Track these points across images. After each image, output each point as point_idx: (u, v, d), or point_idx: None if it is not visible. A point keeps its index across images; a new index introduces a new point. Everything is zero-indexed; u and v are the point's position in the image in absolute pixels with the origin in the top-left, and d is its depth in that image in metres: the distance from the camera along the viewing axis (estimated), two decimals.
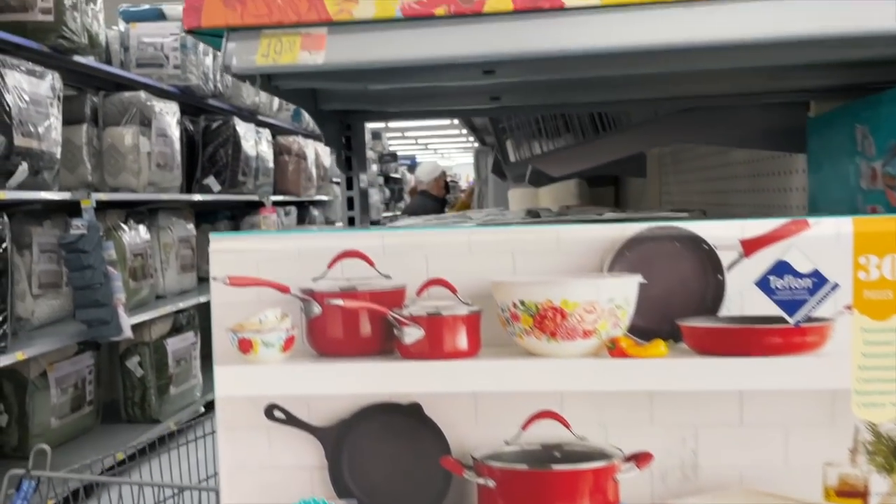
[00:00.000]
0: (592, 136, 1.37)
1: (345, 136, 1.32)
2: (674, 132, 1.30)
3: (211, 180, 4.70)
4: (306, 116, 5.87)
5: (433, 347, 0.81)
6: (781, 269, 0.77)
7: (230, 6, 0.85)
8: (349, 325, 0.83)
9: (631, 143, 1.35)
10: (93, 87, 3.86)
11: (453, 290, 0.80)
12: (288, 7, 0.84)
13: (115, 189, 3.82)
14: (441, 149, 19.15)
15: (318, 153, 6.27)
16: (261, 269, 0.81)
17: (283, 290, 0.81)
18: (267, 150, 5.24)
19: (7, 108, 2.85)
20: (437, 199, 5.14)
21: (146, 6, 4.31)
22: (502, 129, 1.38)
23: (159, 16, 4.27)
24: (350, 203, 1.28)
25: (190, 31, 0.86)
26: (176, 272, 4.43)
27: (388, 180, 11.44)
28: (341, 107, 1.20)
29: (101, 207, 3.67)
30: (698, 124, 1.32)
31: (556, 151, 1.38)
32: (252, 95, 5.11)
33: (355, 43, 0.83)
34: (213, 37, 0.89)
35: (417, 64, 0.84)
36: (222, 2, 0.85)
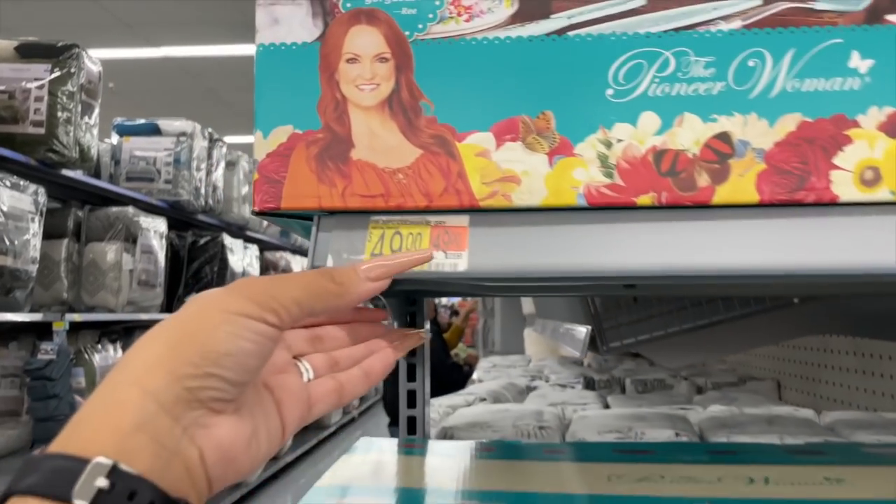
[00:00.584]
0: (709, 314, 1.10)
1: (409, 311, 1.03)
2: (816, 322, 1.05)
3: None
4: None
5: None
6: None
7: (326, 181, 0.58)
8: None
9: (760, 334, 1.10)
10: (79, 201, 3.57)
11: None
12: (413, 184, 0.58)
13: (91, 308, 3.46)
14: None
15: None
16: None
17: None
18: (254, 266, 4.94)
19: None
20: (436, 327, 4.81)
21: (142, 120, 4.08)
22: (602, 310, 1.10)
23: (154, 130, 4.04)
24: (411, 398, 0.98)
25: (261, 214, 0.59)
26: None
27: None
28: (413, 287, 0.93)
29: (75, 328, 3.30)
30: (847, 315, 1.07)
31: (669, 337, 1.10)
32: (243, 211, 4.84)
33: (511, 241, 0.56)
34: (294, 218, 0.62)
35: (590, 273, 0.57)
36: (315, 175, 0.58)
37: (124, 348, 3.74)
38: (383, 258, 0.54)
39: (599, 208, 0.56)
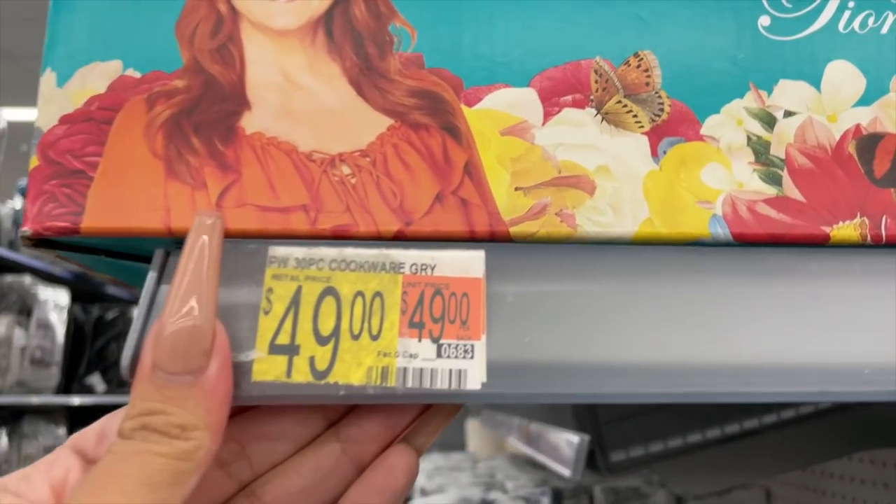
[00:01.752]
0: (739, 419, 0.81)
1: None
2: (883, 432, 0.78)
3: (96, 378, 3.85)
4: None
5: None
6: None
7: (185, 175, 0.27)
8: None
9: (811, 448, 0.82)
10: None
11: None
12: (372, 187, 0.27)
13: None
14: None
15: None
16: None
17: None
18: None
19: None
20: None
21: None
22: (601, 410, 0.80)
23: None
24: None
25: (40, 243, 0.27)
26: None
27: None
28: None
29: None
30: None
31: (689, 452, 0.80)
32: None
33: (576, 318, 0.26)
34: (111, 255, 0.30)
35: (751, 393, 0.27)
36: (162, 161, 0.27)
37: (11, 436, 3.21)
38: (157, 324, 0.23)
39: (755, 245, 0.27)
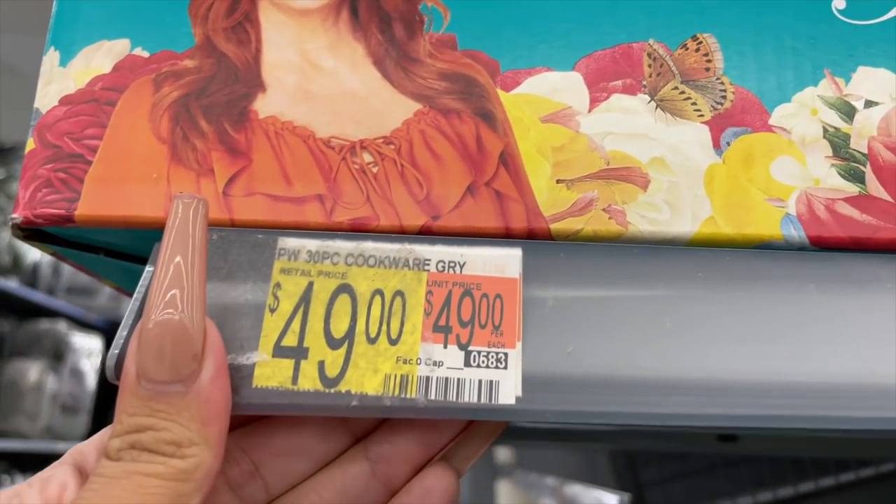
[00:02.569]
0: (794, 481, 0.75)
1: None
2: None
3: None
4: None
5: None
6: None
7: (191, 160, 0.24)
8: None
9: None
10: (7, 311, 3.14)
11: None
12: (396, 178, 0.24)
13: (1, 434, 2.96)
14: None
15: None
16: None
17: None
18: None
19: None
20: None
21: None
22: (642, 470, 0.74)
23: None
24: None
25: (30, 234, 0.24)
26: None
27: None
28: None
29: None
30: None
31: None
32: None
33: (623, 327, 0.23)
34: (105, 252, 0.27)
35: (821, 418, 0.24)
36: (168, 145, 0.25)
37: None
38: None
39: (834, 250, 0.23)
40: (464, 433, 0.22)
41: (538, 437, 0.55)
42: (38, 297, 3.31)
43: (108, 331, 3.66)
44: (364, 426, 0.23)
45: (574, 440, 0.57)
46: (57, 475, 0.22)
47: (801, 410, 0.21)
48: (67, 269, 3.80)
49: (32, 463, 3.45)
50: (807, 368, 0.21)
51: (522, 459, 1.67)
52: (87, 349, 3.34)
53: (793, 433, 0.39)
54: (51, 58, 0.25)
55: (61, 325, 3.19)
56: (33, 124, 0.24)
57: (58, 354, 3.16)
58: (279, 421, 0.22)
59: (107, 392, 3.75)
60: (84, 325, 3.43)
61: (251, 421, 0.23)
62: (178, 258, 0.20)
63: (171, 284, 0.19)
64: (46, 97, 0.25)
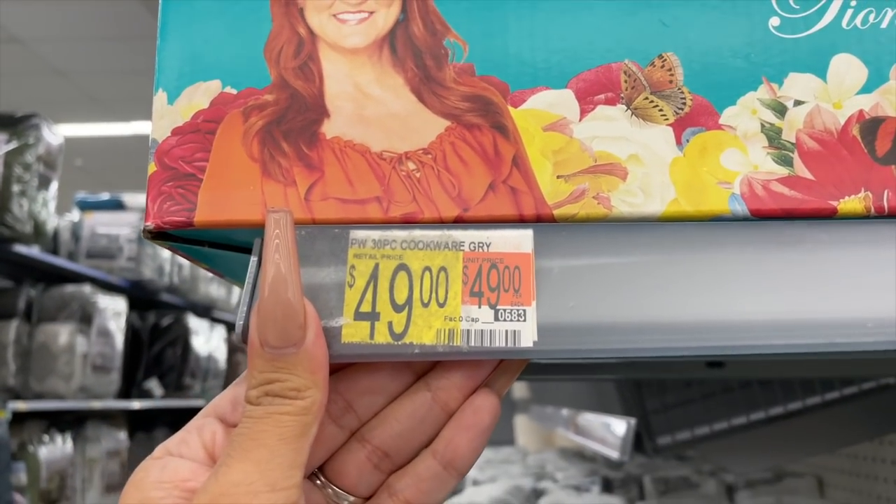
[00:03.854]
0: (783, 401, 0.83)
1: None
2: None
3: (154, 384, 3.99)
4: None
5: None
6: None
7: (279, 175, 0.32)
8: None
9: (852, 428, 0.84)
10: (33, 279, 3.25)
11: None
12: (434, 180, 0.31)
13: (39, 395, 3.09)
14: None
15: None
16: None
17: None
18: (221, 350, 4.59)
19: None
20: None
21: (106, 195, 3.81)
22: (648, 399, 0.83)
23: (118, 205, 3.76)
24: None
25: (159, 236, 0.32)
26: (99, 493, 3.58)
27: None
28: None
29: (19, 418, 2.93)
30: None
31: (733, 433, 0.83)
32: (210, 291, 4.53)
33: (611, 285, 0.30)
34: (218, 247, 0.35)
35: (763, 345, 0.31)
36: (259, 164, 0.32)
37: (75, 440, 3.35)
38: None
39: (770, 219, 0.31)
40: (498, 368, 0.31)
41: (553, 371, 0.63)
42: (60, 262, 3.41)
43: (130, 291, 3.77)
44: (424, 366, 0.31)
45: (582, 373, 0.65)
46: (207, 423, 0.30)
47: (745, 340, 0.29)
48: (86, 235, 3.88)
49: (70, 421, 3.59)
50: (746, 308, 0.29)
51: (538, 395, 1.78)
52: (113, 310, 3.46)
53: (757, 358, 0.47)
54: (160, 98, 0.32)
55: (86, 289, 3.29)
56: (153, 152, 0.32)
57: (85, 317, 3.28)
58: (360, 368, 0.31)
59: (133, 351, 3.87)
60: (108, 287, 3.54)
61: (341, 369, 0.31)
62: (277, 255, 0.27)
63: (276, 275, 0.27)
64: (160, 129, 0.32)
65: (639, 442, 0.85)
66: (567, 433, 1.24)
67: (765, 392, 0.84)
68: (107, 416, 3.70)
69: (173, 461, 0.28)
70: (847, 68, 0.31)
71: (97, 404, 3.39)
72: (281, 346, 0.27)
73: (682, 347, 0.29)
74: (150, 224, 0.31)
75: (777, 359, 0.48)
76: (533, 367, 0.63)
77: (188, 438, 0.29)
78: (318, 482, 0.31)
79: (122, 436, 3.80)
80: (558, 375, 0.66)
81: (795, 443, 0.88)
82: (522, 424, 2.32)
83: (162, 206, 0.31)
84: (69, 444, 3.27)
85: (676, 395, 0.87)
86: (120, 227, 3.75)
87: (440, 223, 0.31)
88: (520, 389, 2.13)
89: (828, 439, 0.88)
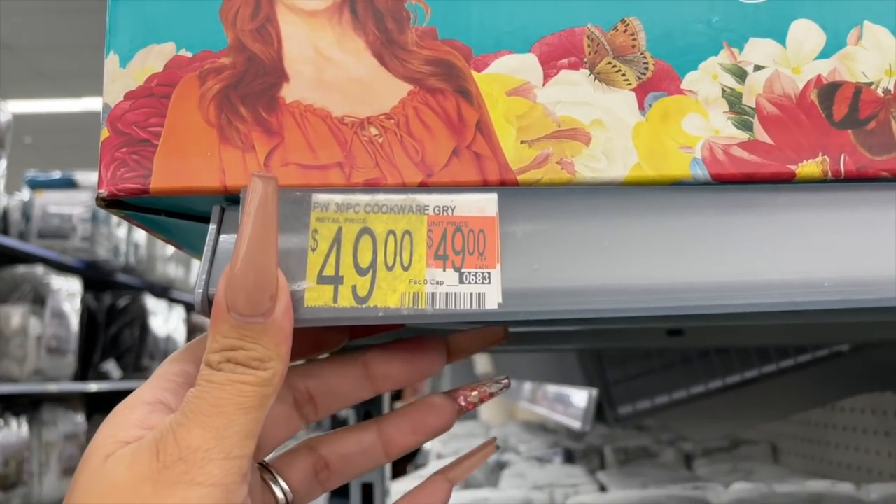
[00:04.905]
0: (740, 369, 0.85)
1: None
2: (871, 377, 0.82)
3: (111, 365, 3.93)
4: None
5: None
6: None
7: (236, 140, 0.31)
8: None
9: (804, 394, 0.86)
10: None
11: None
12: (397, 145, 0.31)
13: None
14: None
15: None
16: None
17: None
18: (179, 331, 4.53)
19: None
20: None
21: (57, 173, 3.71)
22: (609, 371, 0.84)
23: (70, 184, 3.66)
24: None
25: (113, 204, 0.31)
26: (57, 476, 3.52)
27: None
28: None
29: None
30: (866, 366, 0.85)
31: (692, 401, 0.85)
32: (168, 271, 4.46)
33: (575, 247, 0.30)
34: (174, 215, 0.34)
35: (719, 304, 0.31)
36: (216, 129, 0.31)
37: (31, 424, 3.29)
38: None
39: (730, 184, 0.31)
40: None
41: (516, 342, 0.64)
42: (11, 242, 3.31)
43: (85, 272, 3.68)
44: (382, 385, 0.33)
45: (545, 343, 0.66)
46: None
47: (701, 301, 0.29)
48: (37, 215, 3.78)
49: (25, 405, 3.52)
50: (708, 270, 0.29)
51: (500, 369, 1.80)
52: (67, 291, 3.38)
53: (715, 322, 0.48)
54: (111, 61, 0.31)
55: (38, 269, 3.21)
56: (105, 116, 0.31)
57: (38, 298, 3.20)
58: (330, 371, 0.33)
59: (89, 333, 3.80)
60: (61, 268, 3.46)
61: (312, 365, 0.32)
62: (257, 220, 0.27)
63: (253, 240, 0.26)
64: (113, 94, 0.31)
65: (600, 412, 0.86)
66: (529, 406, 1.25)
67: (722, 361, 0.86)
68: (63, 399, 3.63)
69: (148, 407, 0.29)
70: (806, 33, 0.32)
71: (53, 387, 3.32)
72: (249, 315, 0.26)
73: (644, 308, 0.29)
74: (104, 191, 0.30)
75: (736, 322, 0.49)
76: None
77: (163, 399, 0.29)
78: (266, 473, 0.32)
79: (80, 419, 3.74)
80: (522, 347, 0.67)
81: (751, 410, 0.90)
82: None
83: (116, 173, 0.30)
84: (24, 428, 3.21)
85: (637, 365, 0.88)
86: (73, 206, 3.66)
87: (402, 188, 0.30)
88: (482, 364, 2.14)
89: (782, 406, 0.90)
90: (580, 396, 0.89)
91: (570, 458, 1.36)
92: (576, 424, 0.86)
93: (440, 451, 1.50)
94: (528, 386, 1.34)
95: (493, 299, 0.28)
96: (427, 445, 1.78)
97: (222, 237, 0.30)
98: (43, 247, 3.51)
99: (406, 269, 0.29)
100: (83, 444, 3.70)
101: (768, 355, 0.85)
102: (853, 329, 0.71)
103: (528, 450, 1.45)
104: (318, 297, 0.28)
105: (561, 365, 1.10)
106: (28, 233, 3.63)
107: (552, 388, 1.08)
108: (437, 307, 0.28)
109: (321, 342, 0.34)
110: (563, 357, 1.05)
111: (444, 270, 0.29)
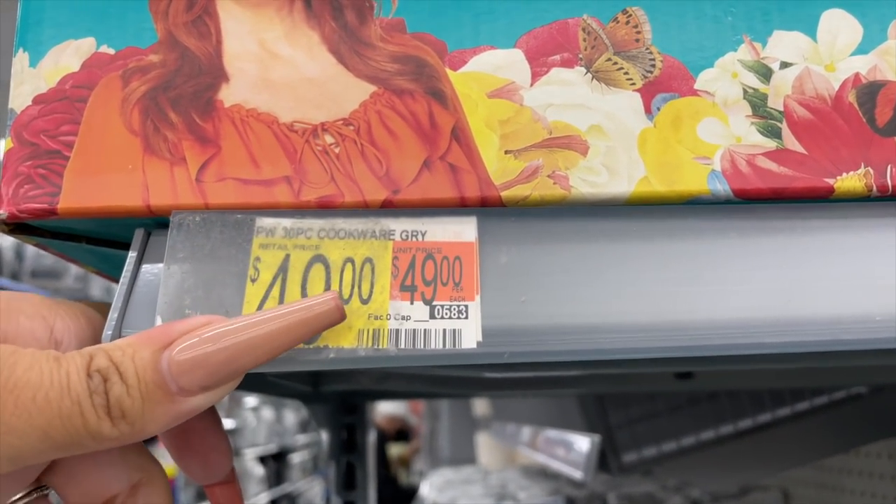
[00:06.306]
0: (752, 413, 0.79)
1: (345, 423, 0.69)
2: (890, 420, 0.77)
3: None
4: None
5: None
6: None
7: (164, 151, 0.26)
8: None
9: (825, 440, 0.80)
10: None
11: None
12: (357, 157, 0.26)
13: None
14: None
15: None
16: None
17: None
18: None
19: None
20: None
21: None
22: (612, 414, 0.78)
23: None
24: None
25: (16, 228, 0.26)
26: None
27: None
28: (348, 387, 0.59)
29: None
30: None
31: (703, 448, 0.78)
32: None
33: (569, 275, 0.25)
34: (90, 241, 0.29)
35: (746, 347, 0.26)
36: (140, 138, 0.26)
37: None
38: (215, 326, 0.21)
39: (755, 201, 0.26)
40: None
41: (510, 387, 0.58)
42: (3, 282, 3.27)
43: None
44: None
45: (543, 388, 0.60)
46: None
47: (722, 340, 0.23)
48: (30, 253, 3.75)
49: None
50: (728, 305, 0.24)
51: (499, 411, 1.73)
52: None
53: (733, 365, 0.42)
54: (20, 59, 0.26)
55: None
56: (10, 124, 0.26)
57: None
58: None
59: None
60: None
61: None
62: (291, 328, 0.22)
63: (259, 335, 0.21)
64: (20, 97, 0.26)
65: (603, 460, 0.80)
66: (528, 452, 1.19)
67: (733, 404, 0.80)
68: None
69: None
70: (839, 25, 0.27)
71: None
72: (187, 389, 0.21)
73: (652, 349, 0.24)
74: (3, 212, 0.25)
75: (765, 365, 0.44)
76: (490, 384, 0.57)
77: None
78: None
79: None
80: (515, 391, 0.61)
81: (766, 457, 0.84)
82: (484, 443, 2.26)
83: (18, 191, 0.25)
84: None
85: (642, 408, 0.82)
86: None
87: (364, 208, 0.25)
88: (481, 406, 2.07)
89: (799, 453, 0.84)
90: (582, 443, 0.83)
91: None
92: (577, 475, 0.80)
93: (436, 499, 1.43)
94: (526, 430, 1.27)
95: (471, 337, 0.23)
96: (424, 492, 1.70)
97: (144, 267, 0.25)
98: (36, 286, 3.46)
99: (365, 302, 0.23)
100: None
101: (782, 398, 0.80)
102: (873, 370, 0.65)
103: (528, 497, 1.38)
104: None
105: (561, 408, 1.03)
106: (21, 272, 3.58)
107: (552, 433, 1.02)
108: (403, 346, 0.23)
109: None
110: (562, 399, 0.98)
111: (412, 303, 0.23)
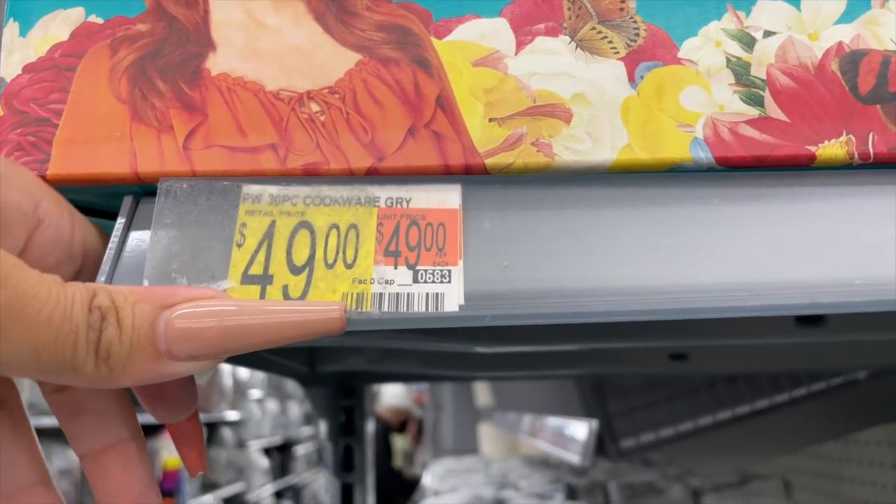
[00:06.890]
0: (750, 399, 0.80)
1: (342, 406, 0.70)
2: (889, 406, 0.77)
3: None
4: None
5: None
6: None
7: (152, 118, 0.26)
8: None
9: (820, 425, 0.80)
10: None
11: None
12: (342, 124, 0.27)
13: None
14: None
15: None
16: None
17: None
18: None
19: None
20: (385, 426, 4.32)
21: None
22: (611, 402, 0.79)
23: None
24: None
25: None
26: None
27: None
28: (344, 368, 0.59)
29: None
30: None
31: (700, 434, 0.79)
32: None
33: (552, 242, 0.25)
34: (81, 208, 0.29)
35: (721, 308, 0.26)
36: (128, 106, 0.27)
37: None
38: (219, 302, 0.21)
39: (738, 169, 0.26)
40: None
41: (507, 366, 0.58)
42: None
43: None
44: None
45: (540, 367, 0.60)
46: None
47: (706, 304, 0.24)
48: None
49: None
50: (710, 270, 0.24)
51: (501, 401, 1.73)
52: None
53: (725, 340, 0.42)
54: (10, 29, 0.27)
55: None
56: (0, 95, 0.26)
57: None
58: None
59: None
60: None
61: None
62: (291, 323, 0.22)
63: (263, 325, 0.22)
64: (10, 66, 0.26)
65: (601, 446, 0.80)
66: (529, 440, 1.19)
67: (731, 391, 0.80)
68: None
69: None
70: None
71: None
72: (177, 357, 0.21)
73: (635, 311, 0.24)
74: None
75: (745, 341, 0.44)
76: (486, 363, 0.57)
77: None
78: None
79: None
80: (511, 371, 0.62)
81: (762, 442, 0.84)
82: (486, 432, 2.26)
83: (8, 158, 0.25)
84: None
85: (641, 396, 0.82)
86: None
87: (350, 175, 0.25)
88: (483, 397, 2.07)
89: (795, 438, 0.84)
90: (580, 429, 0.83)
91: (572, 494, 1.29)
92: (575, 459, 0.80)
93: (437, 487, 1.43)
94: (527, 418, 1.28)
95: (453, 301, 0.23)
96: (425, 481, 1.71)
97: (132, 234, 0.25)
98: None
99: (349, 266, 0.24)
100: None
101: (780, 384, 0.80)
102: (870, 354, 0.65)
103: (529, 486, 1.38)
104: (241, 298, 0.23)
105: (560, 395, 1.04)
106: None
107: (552, 421, 1.02)
108: (386, 309, 0.23)
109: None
110: (562, 387, 0.99)
111: (396, 268, 0.24)
